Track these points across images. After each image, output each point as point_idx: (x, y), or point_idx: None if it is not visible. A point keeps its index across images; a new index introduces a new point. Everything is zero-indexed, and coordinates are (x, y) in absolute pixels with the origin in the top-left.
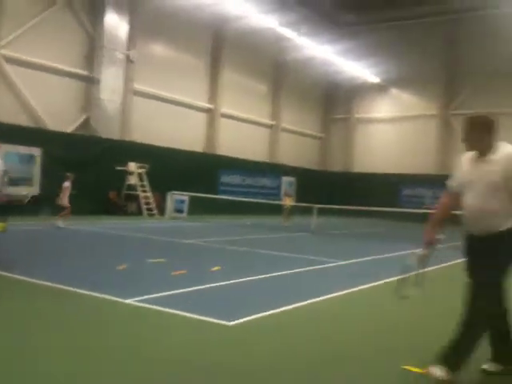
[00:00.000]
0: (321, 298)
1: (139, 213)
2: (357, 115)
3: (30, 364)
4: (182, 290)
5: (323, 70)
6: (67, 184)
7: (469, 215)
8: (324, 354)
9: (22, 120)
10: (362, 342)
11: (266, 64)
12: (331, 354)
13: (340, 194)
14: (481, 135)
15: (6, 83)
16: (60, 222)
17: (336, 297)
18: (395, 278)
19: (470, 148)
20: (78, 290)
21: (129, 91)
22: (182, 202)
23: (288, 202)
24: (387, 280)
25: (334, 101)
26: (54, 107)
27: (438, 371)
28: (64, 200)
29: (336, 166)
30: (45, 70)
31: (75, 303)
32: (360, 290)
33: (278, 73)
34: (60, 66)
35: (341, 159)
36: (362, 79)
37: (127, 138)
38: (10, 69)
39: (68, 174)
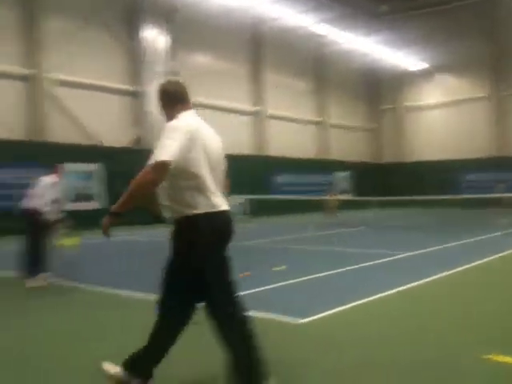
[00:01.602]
0: (390, 292)
1: None
2: (405, 103)
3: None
4: (249, 291)
5: (366, 61)
6: None
7: None
8: (396, 352)
9: (79, 139)
10: (446, 336)
11: (307, 61)
12: (405, 352)
13: (396, 184)
14: (161, 105)
15: (58, 106)
16: None
17: (405, 290)
18: (461, 268)
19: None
20: (141, 295)
21: None
22: (240, 204)
23: (334, 197)
24: (459, 269)
25: (380, 91)
26: (107, 124)
27: (113, 368)
28: None
29: (390, 157)
30: (93, 88)
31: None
32: (428, 283)
33: (320, 68)
34: (107, 84)
35: (393, 149)
36: (406, 68)
37: None
38: (60, 92)
39: None
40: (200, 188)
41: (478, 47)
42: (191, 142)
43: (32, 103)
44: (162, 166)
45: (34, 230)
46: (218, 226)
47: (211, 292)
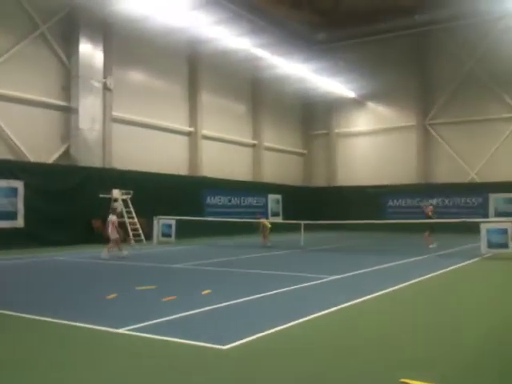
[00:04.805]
0: (316, 315)
1: (126, 239)
2: (336, 130)
3: None
4: (173, 317)
5: (300, 87)
6: (113, 217)
7: None
8: (318, 373)
9: (2, 153)
10: (358, 357)
11: (243, 84)
12: (327, 372)
13: (326, 208)
14: None
15: None
16: (123, 252)
17: (332, 313)
18: (389, 290)
19: None
20: (68, 323)
21: (108, 119)
22: (169, 226)
23: (265, 222)
24: (380, 292)
25: (313, 117)
26: (34, 139)
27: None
28: (112, 233)
29: (320, 182)
30: (22, 102)
31: (66, 336)
32: (354, 305)
33: (256, 92)
34: (37, 98)
35: (324, 174)
36: (339, 95)
37: (109, 166)
38: None
39: (114, 207)
40: None
41: (408, 78)
42: None
43: None
44: None
45: None
46: None
47: None
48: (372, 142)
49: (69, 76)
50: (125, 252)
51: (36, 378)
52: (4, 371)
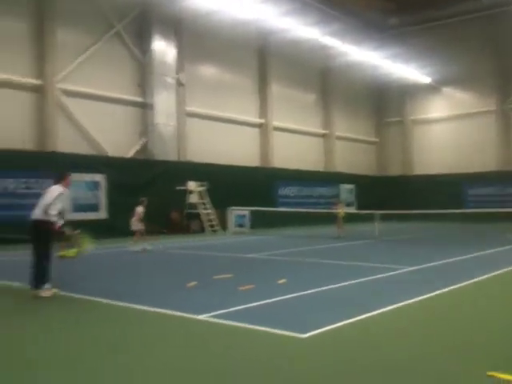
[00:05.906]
0: (393, 307)
1: (202, 230)
2: (411, 117)
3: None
4: (251, 305)
5: (372, 74)
6: (140, 208)
7: None
8: (402, 363)
9: (84, 149)
10: (444, 352)
11: (314, 73)
12: (409, 364)
13: (401, 198)
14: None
15: (65, 115)
16: (135, 247)
17: (409, 304)
18: (467, 283)
19: None
20: (153, 309)
21: (182, 113)
22: (243, 216)
23: (340, 209)
24: (466, 282)
25: (386, 104)
26: (113, 134)
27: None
28: (136, 224)
29: (395, 170)
30: (101, 99)
31: (155, 322)
32: (435, 296)
33: (326, 81)
34: (115, 95)
35: (399, 163)
36: (413, 81)
37: (184, 159)
38: (68, 101)
39: (142, 199)
40: None
41: (484, 61)
42: None
43: (41, 113)
44: None
45: (42, 240)
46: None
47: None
48: (449, 128)
49: (144, 73)
50: (148, 246)
51: (130, 360)
52: (104, 354)
